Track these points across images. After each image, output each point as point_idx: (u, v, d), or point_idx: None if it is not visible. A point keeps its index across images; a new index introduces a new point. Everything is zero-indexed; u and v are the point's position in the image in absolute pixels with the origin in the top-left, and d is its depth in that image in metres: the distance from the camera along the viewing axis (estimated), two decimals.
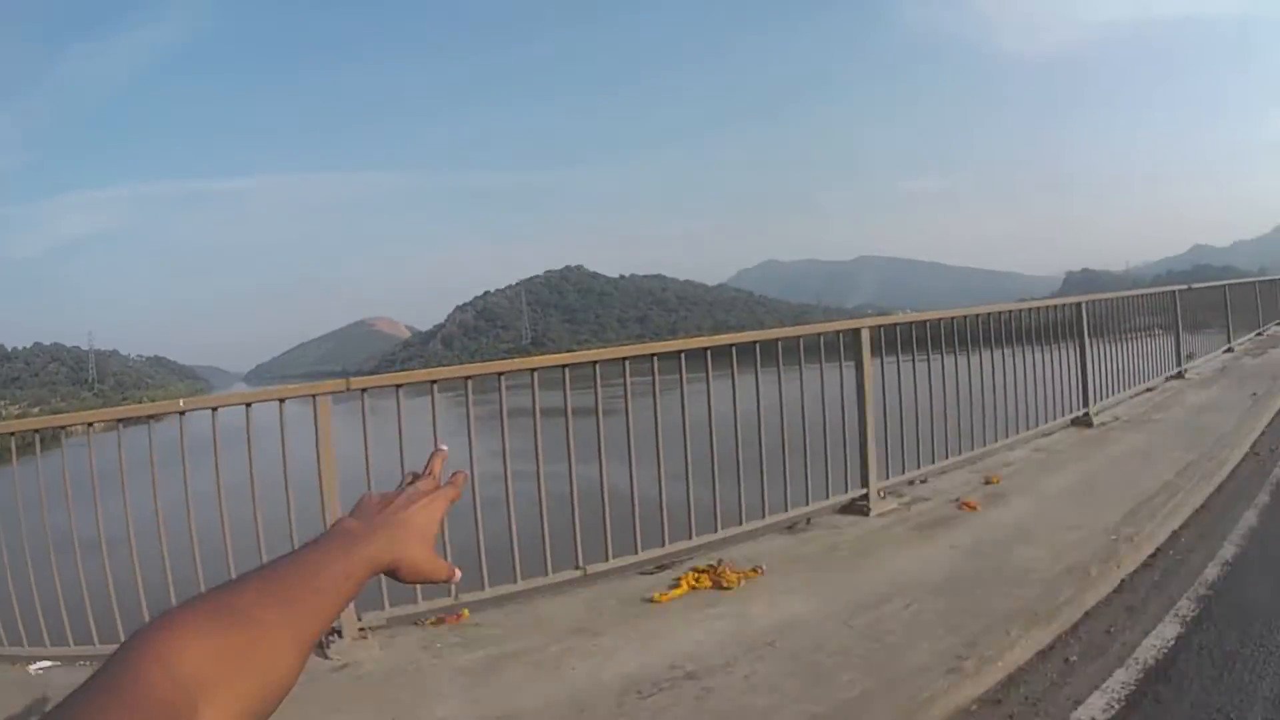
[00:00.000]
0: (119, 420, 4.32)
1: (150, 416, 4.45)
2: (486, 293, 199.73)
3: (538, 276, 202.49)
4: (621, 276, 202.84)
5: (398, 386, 4.58)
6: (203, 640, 0.64)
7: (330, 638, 4.05)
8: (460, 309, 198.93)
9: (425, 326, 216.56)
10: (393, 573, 0.85)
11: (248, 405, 4.33)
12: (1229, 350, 13.80)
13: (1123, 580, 4.36)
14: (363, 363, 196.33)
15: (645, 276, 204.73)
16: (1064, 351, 8.42)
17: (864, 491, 5.91)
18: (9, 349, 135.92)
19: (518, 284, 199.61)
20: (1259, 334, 16.49)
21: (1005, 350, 7.51)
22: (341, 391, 4.49)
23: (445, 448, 0.98)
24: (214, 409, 4.30)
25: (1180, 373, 11.10)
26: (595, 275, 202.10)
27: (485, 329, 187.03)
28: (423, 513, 0.88)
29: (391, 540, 0.84)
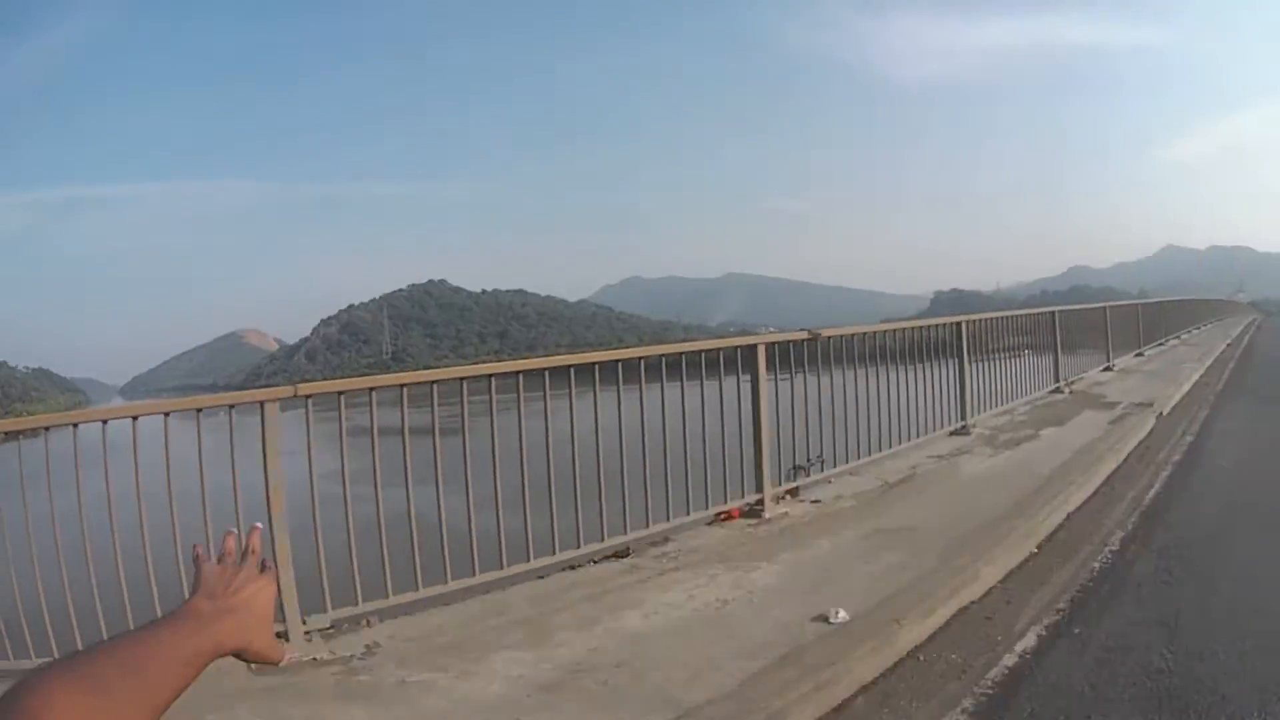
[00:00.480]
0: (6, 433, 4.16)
1: (50, 428, 4.22)
2: (350, 306, 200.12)
3: (401, 290, 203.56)
4: (484, 291, 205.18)
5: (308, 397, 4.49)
6: (70, 708, 0.74)
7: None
8: (324, 323, 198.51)
9: (293, 339, 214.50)
10: (237, 654, 0.96)
11: (199, 411, 4.27)
12: (1108, 369, 14.87)
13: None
14: (231, 376, 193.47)
15: (507, 292, 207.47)
16: (944, 368, 9.10)
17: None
18: None
19: (381, 298, 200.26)
20: (1138, 354, 17.69)
21: (888, 366, 8.16)
22: (288, 398, 4.32)
23: (260, 525, 1.08)
24: (133, 418, 4.15)
25: (1058, 389, 12.02)
26: (458, 290, 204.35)
27: (349, 343, 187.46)
28: (262, 595, 1.00)
29: (239, 626, 0.95)
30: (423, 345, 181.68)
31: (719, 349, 6.70)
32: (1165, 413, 10.28)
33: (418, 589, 4.60)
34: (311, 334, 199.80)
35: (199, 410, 4.27)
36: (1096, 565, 5.06)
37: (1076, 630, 4.09)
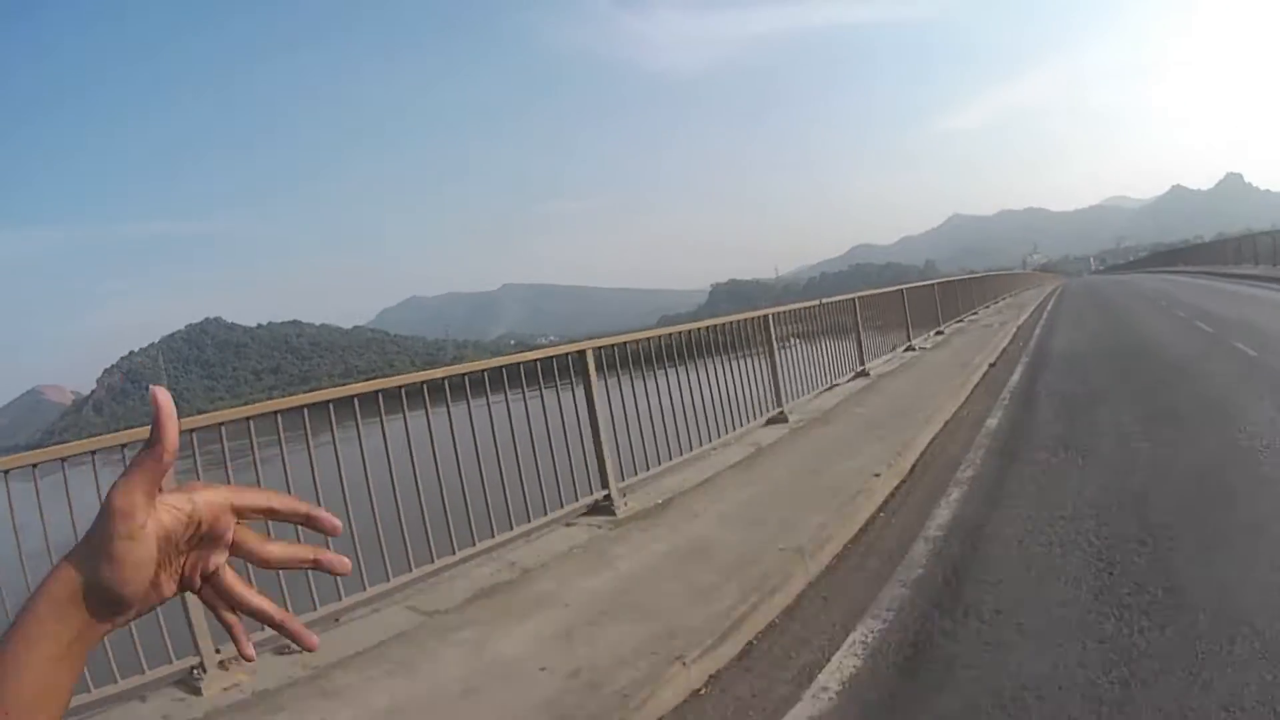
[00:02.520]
0: None
1: None
2: (130, 353, 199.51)
3: (179, 332, 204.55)
4: (259, 325, 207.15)
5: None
6: None
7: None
8: (107, 372, 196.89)
9: (88, 391, 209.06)
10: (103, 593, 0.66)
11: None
12: (910, 349, 16.81)
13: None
14: (31, 434, 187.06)
15: (282, 324, 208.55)
16: (755, 360, 10.26)
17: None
18: None
19: (159, 341, 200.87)
20: (939, 333, 19.87)
21: (699, 362, 9.13)
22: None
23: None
24: None
25: (863, 371, 13.68)
26: (233, 326, 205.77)
27: (133, 391, 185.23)
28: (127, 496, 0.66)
29: (90, 547, 0.66)
30: (199, 388, 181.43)
31: (550, 356, 7.33)
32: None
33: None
34: (96, 385, 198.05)
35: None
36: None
37: None
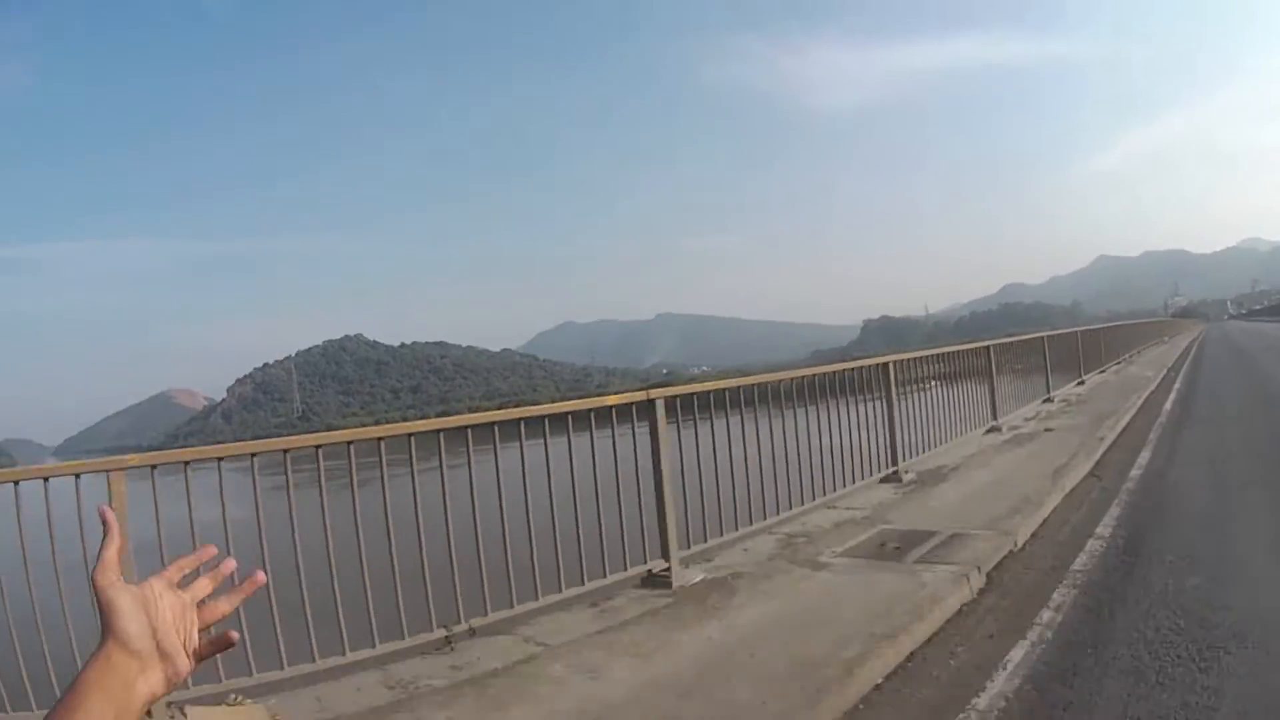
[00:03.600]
0: None
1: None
2: (265, 364, 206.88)
3: (316, 346, 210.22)
4: (402, 345, 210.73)
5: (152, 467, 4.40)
6: None
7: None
8: (240, 382, 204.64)
9: (221, 397, 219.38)
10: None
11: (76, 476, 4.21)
12: (1048, 400, 14.86)
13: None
14: (154, 437, 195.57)
15: (426, 344, 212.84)
16: (872, 406, 8.86)
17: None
18: None
19: (295, 355, 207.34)
20: (1080, 382, 17.82)
21: (811, 408, 7.87)
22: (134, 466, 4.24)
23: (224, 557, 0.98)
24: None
25: (995, 427, 11.87)
26: (374, 344, 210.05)
27: (263, 402, 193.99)
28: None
29: (174, 672, 0.89)
30: (334, 402, 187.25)
31: (611, 406, 6.16)
32: None
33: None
34: (227, 394, 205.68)
35: (45, 479, 4.20)
36: None
37: None
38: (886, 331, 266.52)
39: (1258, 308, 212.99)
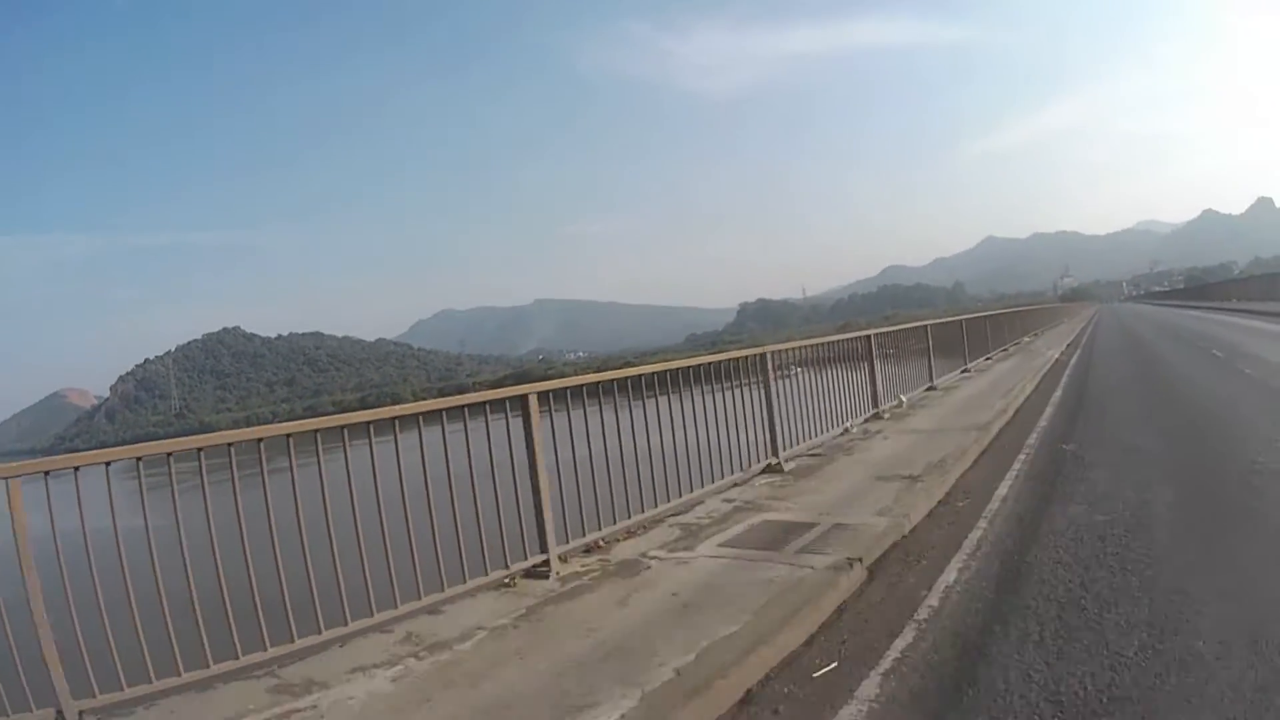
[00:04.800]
0: None
1: None
2: (146, 360, 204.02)
3: (195, 341, 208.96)
4: (279, 336, 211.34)
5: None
6: None
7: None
8: (122, 380, 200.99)
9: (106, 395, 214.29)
10: None
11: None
12: (931, 389, 15.48)
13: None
14: (45, 440, 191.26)
15: (303, 335, 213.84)
16: (753, 395, 9.07)
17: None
18: None
19: (177, 349, 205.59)
20: (964, 371, 18.53)
21: (693, 395, 8.05)
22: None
23: None
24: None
25: (878, 414, 12.36)
26: (252, 337, 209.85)
27: (145, 399, 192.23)
28: None
29: None
30: (211, 398, 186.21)
31: (483, 401, 6.16)
32: None
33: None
34: (110, 392, 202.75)
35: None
36: None
37: None
38: (763, 314, 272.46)
39: (1158, 289, 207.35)
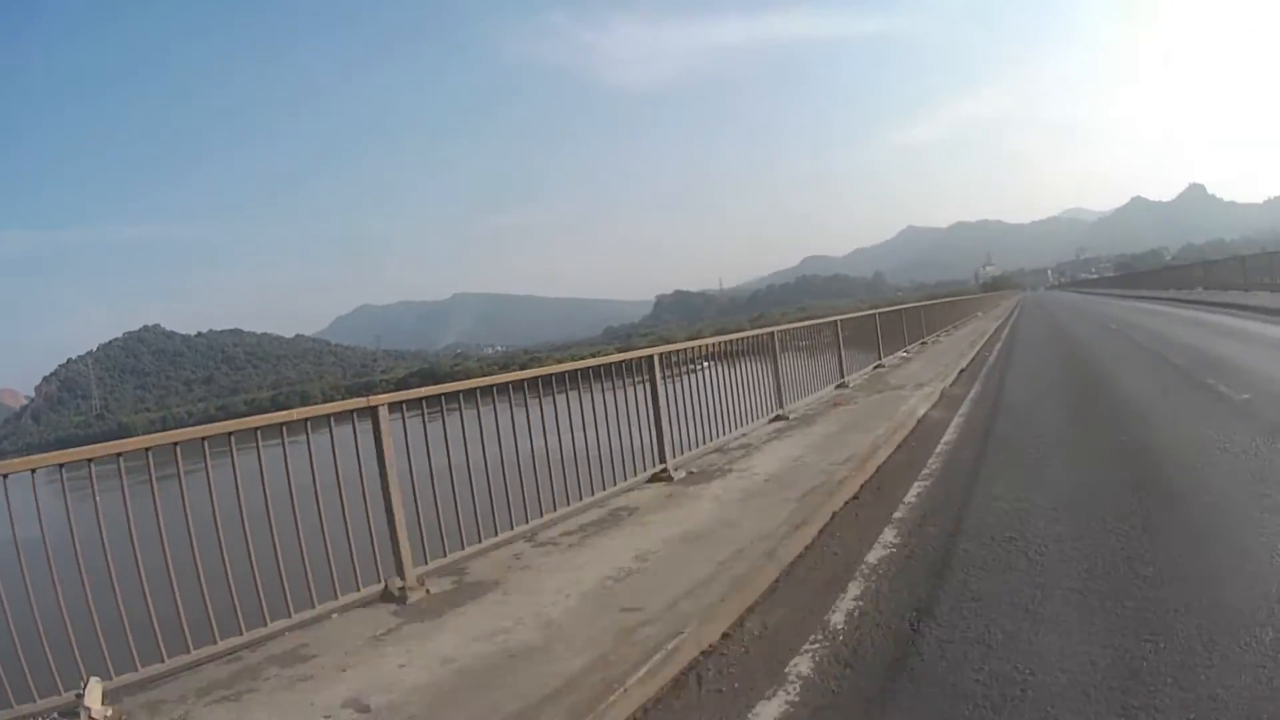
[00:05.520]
0: None
1: None
2: (69, 360, 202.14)
3: (117, 340, 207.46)
4: (199, 334, 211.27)
5: None
6: None
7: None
8: (46, 380, 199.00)
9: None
10: None
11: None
12: (841, 386, 15.35)
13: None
14: None
15: (222, 332, 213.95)
16: (639, 390, 8.71)
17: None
18: None
19: (99, 348, 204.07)
20: (878, 367, 18.47)
21: (573, 394, 7.75)
22: None
23: None
24: None
25: (781, 415, 12.10)
26: (171, 335, 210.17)
27: (68, 400, 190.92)
28: None
29: None
30: (131, 398, 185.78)
31: (328, 414, 5.87)
32: None
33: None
34: (35, 393, 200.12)
35: None
36: None
37: None
38: (680, 306, 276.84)
39: (1088, 275, 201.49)
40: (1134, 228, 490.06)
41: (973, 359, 19.71)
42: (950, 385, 15.04)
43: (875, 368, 18.34)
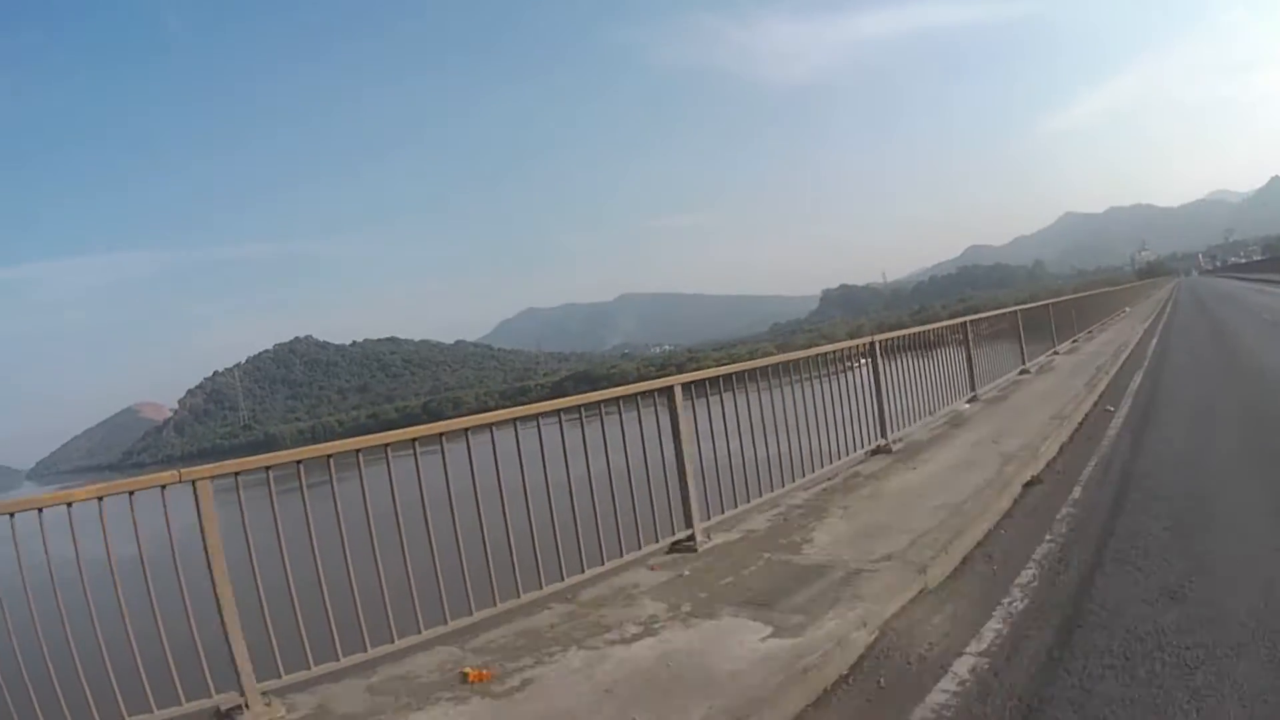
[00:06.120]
0: None
1: None
2: (215, 373, 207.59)
3: (266, 351, 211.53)
4: (353, 343, 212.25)
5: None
6: None
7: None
8: (191, 393, 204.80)
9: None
10: None
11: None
12: (1024, 372, 15.97)
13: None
14: (113, 455, 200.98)
15: (377, 340, 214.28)
16: (861, 382, 9.72)
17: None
18: None
19: (247, 360, 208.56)
20: (1054, 353, 18.84)
21: (805, 386, 8.61)
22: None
23: None
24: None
25: (975, 396, 12.93)
26: (324, 345, 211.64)
27: (214, 411, 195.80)
28: None
29: None
30: (280, 407, 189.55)
31: (635, 393, 6.90)
32: None
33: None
34: (179, 406, 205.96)
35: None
36: None
37: None
38: (845, 301, 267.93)
39: (1237, 259, 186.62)
40: (1276, 207, 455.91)
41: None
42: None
43: (1020, 372, 16.33)
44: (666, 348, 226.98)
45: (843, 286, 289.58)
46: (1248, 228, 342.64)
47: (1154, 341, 22.45)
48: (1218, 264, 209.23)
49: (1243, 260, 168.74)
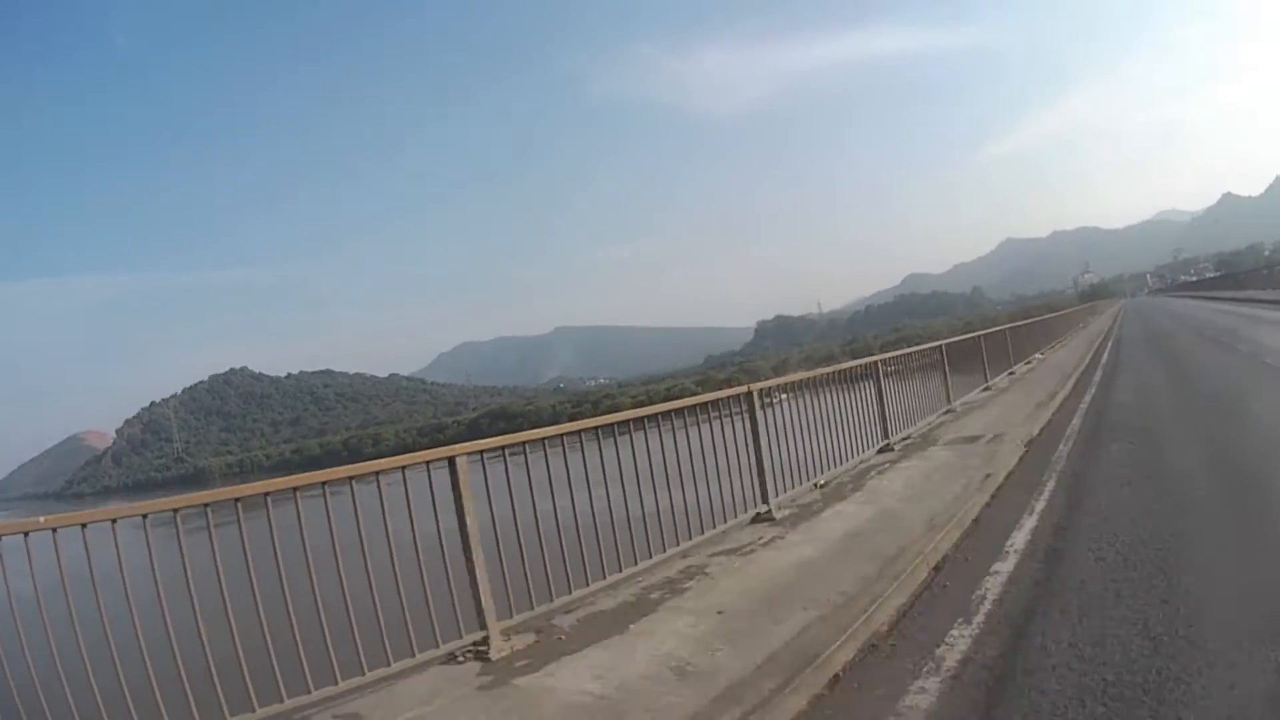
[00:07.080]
0: None
1: None
2: (153, 403, 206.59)
3: (202, 383, 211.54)
4: (288, 375, 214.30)
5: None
6: None
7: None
8: (128, 423, 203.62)
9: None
10: None
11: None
12: (949, 412, 14.62)
13: None
14: (57, 484, 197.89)
15: (312, 373, 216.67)
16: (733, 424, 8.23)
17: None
18: None
19: (183, 391, 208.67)
20: (986, 389, 17.65)
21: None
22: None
23: None
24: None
25: (888, 445, 11.51)
26: (259, 377, 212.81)
27: (151, 442, 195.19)
28: None
29: None
30: (214, 440, 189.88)
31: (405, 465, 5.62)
32: None
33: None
34: (116, 436, 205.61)
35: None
36: None
37: None
38: (780, 332, 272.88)
39: (1189, 278, 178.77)
40: (1227, 225, 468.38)
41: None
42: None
43: (945, 412, 14.91)
44: (602, 380, 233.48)
45: (778, 317, 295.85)
46: (1198, 245, 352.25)
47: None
48: (1167, 283, 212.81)
49: (1194, 278, 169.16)
